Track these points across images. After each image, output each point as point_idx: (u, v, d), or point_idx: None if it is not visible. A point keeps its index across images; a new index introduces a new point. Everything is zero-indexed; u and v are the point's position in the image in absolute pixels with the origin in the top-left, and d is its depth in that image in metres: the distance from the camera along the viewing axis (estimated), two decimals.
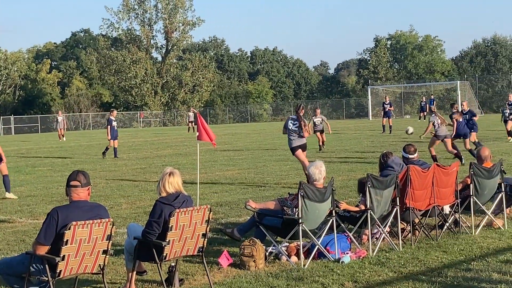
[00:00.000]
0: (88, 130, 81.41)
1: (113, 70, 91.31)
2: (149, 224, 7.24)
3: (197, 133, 11.84)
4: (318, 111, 27.74)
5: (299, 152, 15.75)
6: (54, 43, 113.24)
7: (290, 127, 15.69)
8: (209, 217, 7.32)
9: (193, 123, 49.50)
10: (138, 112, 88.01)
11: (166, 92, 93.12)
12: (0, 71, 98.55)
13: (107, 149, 27.32)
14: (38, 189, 16.98)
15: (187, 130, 52.82)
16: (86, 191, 6.65)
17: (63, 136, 46.04)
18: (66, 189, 6.65)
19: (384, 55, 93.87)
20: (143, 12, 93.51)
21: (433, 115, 20.78)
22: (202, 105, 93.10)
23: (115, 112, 28.93)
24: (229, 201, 13.49)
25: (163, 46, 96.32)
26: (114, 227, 6.51)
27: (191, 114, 54.07)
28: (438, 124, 20.11)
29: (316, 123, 26.53)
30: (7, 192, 15.37)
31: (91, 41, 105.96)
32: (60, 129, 46.34)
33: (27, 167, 23.88)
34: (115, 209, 12.93)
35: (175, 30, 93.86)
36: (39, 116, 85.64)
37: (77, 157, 28.16)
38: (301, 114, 15.82)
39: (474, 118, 24.16)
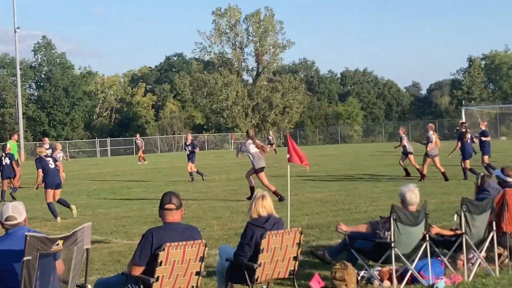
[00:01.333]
0: (181, 152, 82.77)
1: (205, 93, 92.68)
2: (241, 246, 7.29)
3: (288, 155, 11.88)
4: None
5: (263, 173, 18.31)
6: (149, 67, 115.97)
7: (251, 151, 18.05)
8: (300, 240, 7.31)
9: (272, 145, 51.01)
10: (229, 134, 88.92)
11: (256, 114, 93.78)
12: (98, 95, 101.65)
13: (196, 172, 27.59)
14: (132, 210, 17.35)
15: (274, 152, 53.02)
16: (179, 213, 6.76)
17: (143, 160, 46.46)
18: (160, 211, 6.76)
19: (478, 75, 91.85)
20: (234, 35, 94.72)
21: None
22: (292, 127, 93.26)
23: (189, 136, 29.77)
24: (319, 224, 13.42)
25: (254, 68, 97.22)
26: (206, 248, 6.58)
27: (271, 137, 54.78)
28: None
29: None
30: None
31: (184, 65, 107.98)
32: (141, 151, 47.16)
33: (122, 189, 24.46)
34: (207, 230, 13.07)
35: (266, 52, 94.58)
36: (134, 138, 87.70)
37: (170, 179, 28.65)
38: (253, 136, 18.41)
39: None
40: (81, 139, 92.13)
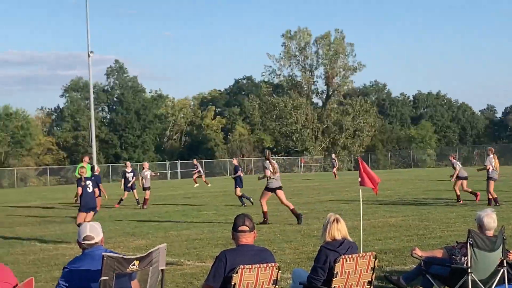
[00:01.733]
0: (250, 175, 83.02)
1: (274, 116, 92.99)
2: (314, 270, 7.21)
3: (359, 179, 11.76)
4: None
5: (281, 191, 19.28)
6: (219, 90, 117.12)
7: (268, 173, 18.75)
8: (374, 264, 7.20)
9: (334, 168, 52.98)
10: (298, 157, 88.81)
11: (326, 137, 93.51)
12: (168, 118, 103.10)
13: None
14: (204, 232, 17.43)
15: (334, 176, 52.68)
16: (253, 235, 6.74)
17: (206, 183, 45.92)
18: (233, 233, 6.75)
19: None
20: (304, 58, 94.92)
21: None
22: (363, 150, 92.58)
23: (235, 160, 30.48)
24: (393, 249, 13.21)
25: (324, 91, 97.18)
26: (280, 271, 6.53)
27: (334, 160, 55.08)
28: None
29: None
30: None
31: (254, 88, 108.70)
32: (200, 174, 47.31)
33: (193, 211, 24.64)
34: (278, 254, 13.00)
35: (336, 75, 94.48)
36: (203, 161, 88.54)
37: (239, 202, 28.69)
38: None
39: None
40: (152, 161, 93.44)
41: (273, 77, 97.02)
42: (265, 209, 19.30)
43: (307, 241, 14.95)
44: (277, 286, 6.57)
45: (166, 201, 30.54)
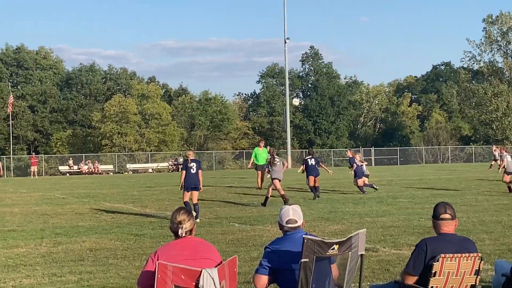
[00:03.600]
0: (447, 164, 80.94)
1: (473, 103, 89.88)
2: None
3: None
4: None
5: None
6: (415, 76, 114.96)
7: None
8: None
9: (497, 161, 47.20)
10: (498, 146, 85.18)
11: None
12: (362, 104, 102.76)
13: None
14: (399, 220, 17.22)
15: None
16: (454, 224, 6.56)
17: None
18: (434, 221, 6.60)
19: None
20: (506, 43, 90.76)
21: None
22: None
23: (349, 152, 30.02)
24: None
25: None
26: (482, 262, 6.31)
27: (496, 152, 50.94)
28: None
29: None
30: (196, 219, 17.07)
31: (452, 74, 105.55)
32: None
33: (388, 198, 24.43)
34: (478, 244, 12.43)
35: None
36: (398, 148, 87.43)
37: (435, 191, 28.05)
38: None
39: None
40: (345, 147, 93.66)
41: (473, 63, 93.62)
42: (281, 192, 22.41)
43: (508, 232, 14.34)
44: (479, 277, 6.36)
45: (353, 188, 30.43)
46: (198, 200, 18.73)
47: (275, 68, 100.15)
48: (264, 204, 22.03)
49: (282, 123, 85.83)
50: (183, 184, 18.46)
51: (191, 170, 18.31)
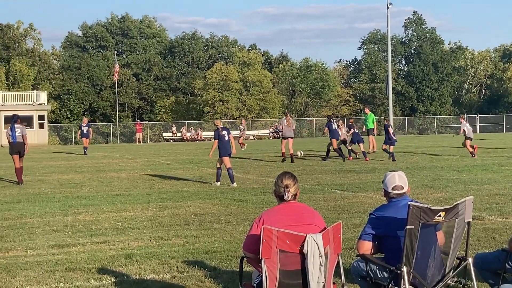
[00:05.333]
0: None
1: None
2: None
3: None
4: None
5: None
6: None
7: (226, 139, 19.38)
8: None
9: None
10: None
11: None
12: (467, 70, 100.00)
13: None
14: (506, 188, 16.81)
15: None
16: None
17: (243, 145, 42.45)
18: None
19: None
20: None
21: None
22: None
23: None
24: None
25: None
26: None
27: None
28: None
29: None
30: (232, 183, 18.79)
31: None
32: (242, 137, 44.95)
33: (493, 166, 23.84)
34: None
35: None
36: (504, 115, 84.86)
37: None
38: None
39: None
40: (449, 115, 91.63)
41: None
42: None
43: None
44: None
45: (467, 155, 29.77)
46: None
47: (377, 34, 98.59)
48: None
49: (384, 89, 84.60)
50: (215, 152, 19.53)
51: (224, 137, 19.25)
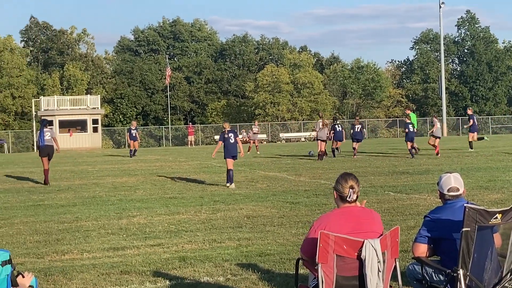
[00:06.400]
0: None
1: None
2: None
3: None
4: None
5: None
6: None
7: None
8: None
9: None
10: None
11: None
12: None
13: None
14: None
15: None
16: None
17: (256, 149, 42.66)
18: None
19: None
20: None
21: None
22: None
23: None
24: None
25: None
26: None
27: None
28: None
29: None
30: (228, 184, 19.56)
31: None
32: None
33: None
34: None
35: None
36: None
37: None
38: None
39: None
40: (504, 114, 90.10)
41: None
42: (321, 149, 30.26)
43: None
44: None
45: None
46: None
47: (429, 34, 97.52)
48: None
49: (437, 90, 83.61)
50: (222, 152, 20.63)
51: (230, 140, 20.09)
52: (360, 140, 32.98)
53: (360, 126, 33.03)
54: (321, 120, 30.67)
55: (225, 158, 20.19)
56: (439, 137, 31.59)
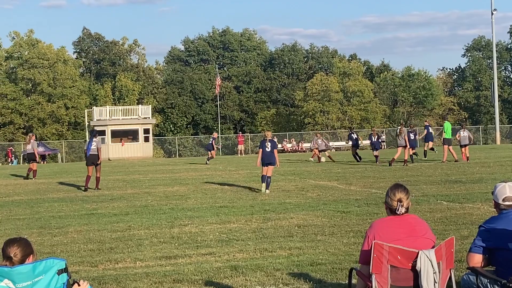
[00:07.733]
0: None
1: None
2: None
3: None
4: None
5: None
6: None
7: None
8: None
9: None
10: None
11: None
12: None
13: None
14: None
15: None
16: None
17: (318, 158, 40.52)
18: None
19: None
20: None
21: None
22: None
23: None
24: None
25: None
26: None
27: None
28: None
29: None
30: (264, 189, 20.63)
31: None
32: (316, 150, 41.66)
33: None
34: None
35: None
36: None
37: None
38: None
39: None
40: None
41: None
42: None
43: None
44: None
45: None
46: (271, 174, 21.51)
47: (481, 41, 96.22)
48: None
49: (489, 97, 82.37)
50: (260, 161, 21.27)
51: (266, 148, 21.03)
52: (377, 149, 35.17)
53: (377, 136, 35.56)
54: (399, 128, 32.55)
55: (261, 165, 21.27)
56: (466, 145, 33.10)
